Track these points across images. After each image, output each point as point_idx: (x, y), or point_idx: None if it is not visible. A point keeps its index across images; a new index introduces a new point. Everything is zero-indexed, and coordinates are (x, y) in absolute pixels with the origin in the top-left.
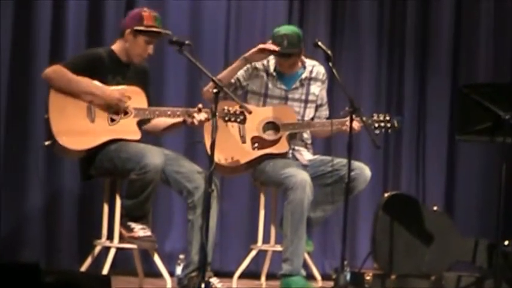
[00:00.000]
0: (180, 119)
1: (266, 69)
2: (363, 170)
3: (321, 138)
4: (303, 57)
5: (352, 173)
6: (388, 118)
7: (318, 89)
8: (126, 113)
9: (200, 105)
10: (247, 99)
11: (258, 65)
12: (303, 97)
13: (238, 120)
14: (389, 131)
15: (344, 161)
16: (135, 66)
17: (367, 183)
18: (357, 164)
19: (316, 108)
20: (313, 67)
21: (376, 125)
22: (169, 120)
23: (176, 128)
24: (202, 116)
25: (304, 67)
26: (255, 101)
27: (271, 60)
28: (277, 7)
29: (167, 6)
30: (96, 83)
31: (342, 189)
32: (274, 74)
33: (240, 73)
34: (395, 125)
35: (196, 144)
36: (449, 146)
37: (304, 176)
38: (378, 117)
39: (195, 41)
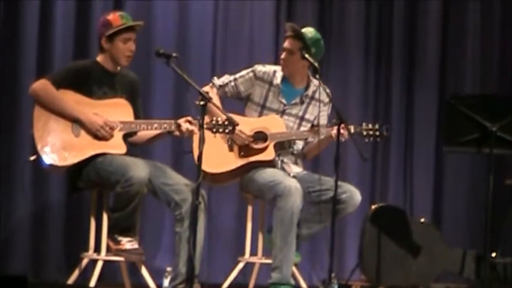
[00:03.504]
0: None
1: (270, 81)
2: (353, 194)
3: (312, 157)
4: (310, 75)
5: (343, 196)
6: (377, 127)
7: (317, 110)
8: (110, 127)
9: (190, 118)
10: (246, 108)
11: (262, 74)
12: (300, 114)
13: (227, 131)
14: (378, 139)
15: (333, 181)
16: (122, 76)
17: (356, 207)
18: (348, 187)
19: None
20: (318, 87)
21: (365, 133)
22: (154, 131)
23: (161, 138)
24: (189, 126)
25: (309, 85)
26: (252, 111)
27: (279, 72)
28: (263, 20)
29: (153, 13)
30: (87, 100)
31: (329, 210)
32: (280, 86)
33: (241, 81)
34: (384, 133)
35: (185, 154)
36: (436, 158)
37: (293, 183)
38: (367, 125)
39: (182, 47)
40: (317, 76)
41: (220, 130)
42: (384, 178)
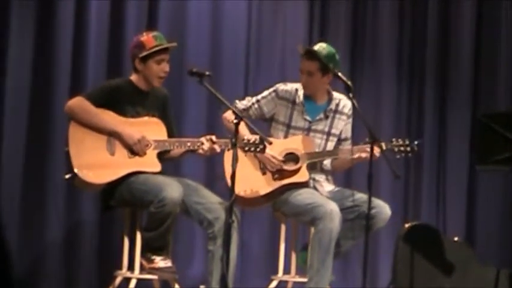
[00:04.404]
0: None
1: (293, 99)
2: (383, 209)
3: (341, 171)
4: (330, 89)
5: (373, 211)
6: (407, 142)
7: (342, 123)
8: (145, 145)
9: (213, 137)
10: (271, 128)
11: (284, 93)
12: (326, 129)
13: (258, 149)
14: (410, 155)
15: (365, 196)
16: (154, 94)
17: (387, 221)
18: (377, 202)
19: (339, 142)
20: (340, 100)
21: (396, 149)
22: (182, 149)
23: (191, 154)
24: (208, 144)
25: (331, 99)
26: (278, 131)
27: (301, 90)
28: (296, 41)
29: (186, 31)
30: (121, 118)
31: (361, 225)
32: (303, 103)
33: (264, 102)
34: (415, 148)
35: (219, 180)
36: (469, 176)
37: (333, 207)
38: (397, 141)
39: (214, 64)
40: (350, 94)
41: (252, 149)
42: (417, 196)
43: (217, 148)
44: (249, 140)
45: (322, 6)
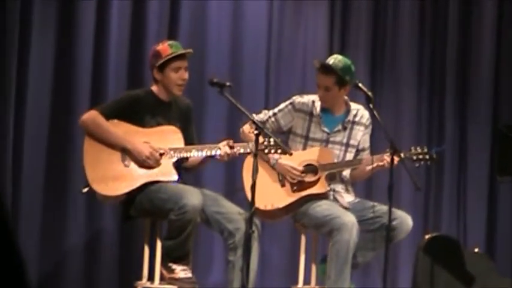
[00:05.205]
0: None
1: (311, 111)
2: (405, 220)
3: (360, 181)
4: (347, 100)
5: (394, 222)
6: (425, 150)
7: (360, 134)
8: (161, 154)
9: (230, 141)
10: (289, 141)
11: (301, 106)
12: (345, 140)
13: (280, 151)
14: (429, 163)
15: (385, 208)
16: (176, 105)
17: (408, 233)
18: (399, 213)
19: (358, 153)
20: (358, 111)
21: (415, 157)
22: (201, 156)
23: (208, 162)
24: (226, 149)
25: (348, 110)
26: (296, 143)
27: (318, 102)
28: (316, 49)
29: (206, 39)
30: (136, 129)
31: (382, 236)
32: (321, 115)
33: (280, 115)
34: (434, 156)
35: (237, 192)
36: (490, 187)
37: (350, 218)
38: (416, 149)
39: (235, 74)
40: (370, 105)
41: (273, 151)
42: (437, 207)
43: (236, 152)
44: (269, 142)
45: (343, 6)
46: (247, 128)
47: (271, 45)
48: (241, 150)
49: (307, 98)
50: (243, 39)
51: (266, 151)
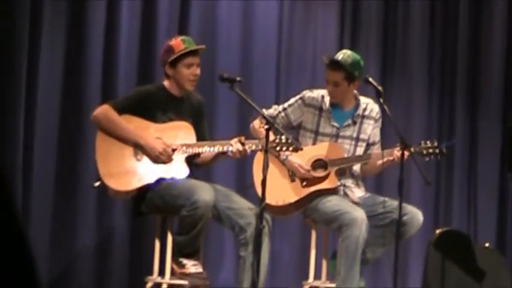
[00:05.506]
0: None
1: (320, 106)
2: (415, 215)
3: (371, 175)
4: (357, 94)
5: (405, 218)
6: (435, 144)
7: (370, 128)
8: (173, 149)
9: (242, 138)
10: (299, 136)
11: (311, 100)
12: (354, 135)
13: (291, 148)
14: (438, 157)
15: (396, 203)
16: (188, 101)
17: (419, 228)
18: (409, 208)
19: (368, 147)
20: (367, 105)
21: (425, 152)
22: (212, 153)
23: (220, 158)
24: (240, 146)
25: (358, 104)
26: (306, 138)
27: (327, 97)
28: (326, 46)
29: (217, 35)
30: (148, 124)
31: (393, 232)
32: (330, 109)
33: (290, 110)
34: (443, 150)
35: (248, 189)
36: (500, 182)
37: (360, 214)
38: (425, 143)
39: (245, 69)
40: (381, 100)
41: (284, 148)
42: (448, 202)
43: (248, 149)
44: (281, 139)
45: (353, 6)
46: (257, 123)
47: (282, 45)
48: (253, 147)
49: (316, 93)
50: (254, 38)
51: (278, 148)
